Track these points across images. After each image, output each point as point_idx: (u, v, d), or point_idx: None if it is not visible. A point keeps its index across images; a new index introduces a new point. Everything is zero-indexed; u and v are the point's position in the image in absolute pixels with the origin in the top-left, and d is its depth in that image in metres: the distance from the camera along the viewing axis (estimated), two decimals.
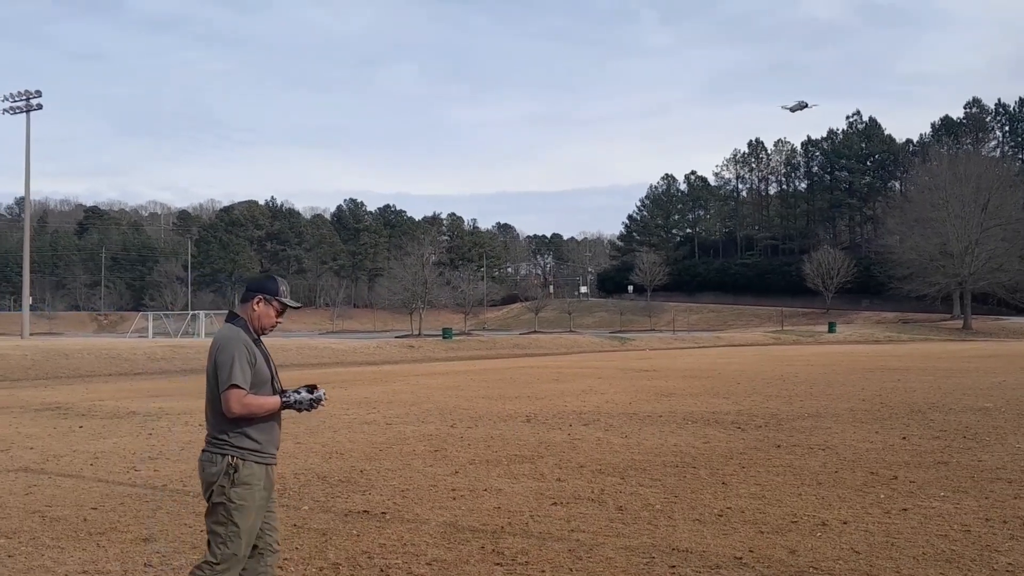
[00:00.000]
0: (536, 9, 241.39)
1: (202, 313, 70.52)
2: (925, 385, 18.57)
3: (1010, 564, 5.20)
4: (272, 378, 4.03)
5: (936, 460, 8.95)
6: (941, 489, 7.46)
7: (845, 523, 6.29)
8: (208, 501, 3.89)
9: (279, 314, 4.15)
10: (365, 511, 6.94)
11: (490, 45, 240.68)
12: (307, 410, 4.05)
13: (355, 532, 6.23)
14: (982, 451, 9.50)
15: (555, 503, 7.16)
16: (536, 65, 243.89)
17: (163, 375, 29.27)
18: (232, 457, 3.84)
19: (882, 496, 7.21)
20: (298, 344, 43.10)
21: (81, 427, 13.18)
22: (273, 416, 3.99)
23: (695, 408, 14.57)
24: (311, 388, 4.05)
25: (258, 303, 4.07)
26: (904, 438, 10.62)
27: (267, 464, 3.99)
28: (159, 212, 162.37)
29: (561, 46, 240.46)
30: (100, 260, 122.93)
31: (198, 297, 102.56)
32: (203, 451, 3.95)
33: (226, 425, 3.84)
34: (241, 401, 3.78)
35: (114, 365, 31.39)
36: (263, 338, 4.16)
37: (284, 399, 3.97)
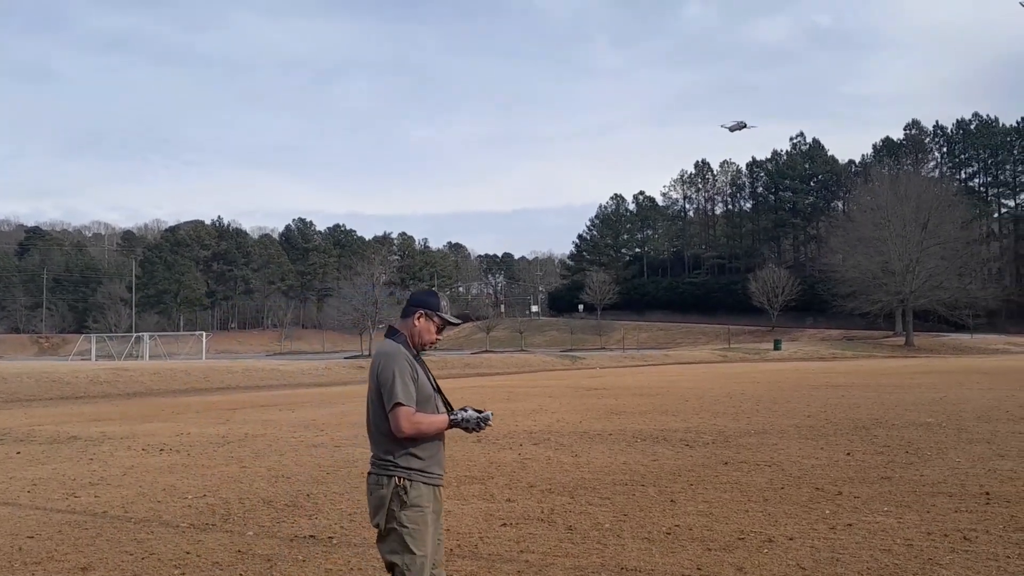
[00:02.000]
0: (489, 30, 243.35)
1: (146, 335, 69.29)
2: (869, 401, 18.89)
3: None
4: (435, 394, 3.87)
5: (880, 475, 9.09)
6: (885, 504, 7.57)
7: (791, 539, 6.35)
8: (378, 528, 3.72)
9: (439, 330, 3.99)
10: (312, 536, 6.83)
11: (443, 65, 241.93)
12: (475, 430, 3.86)
13: (301, 557, 6.13)
14: (924, 466, 9.67)
15: (505, 524, 7.12)
16: (489, 85, 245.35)
17: (106, 399, 28.62)
18: (399, 478, 3.68)
19: (827, 512, 7.29)
20: (245, 366, 42.48)
21: (19, 453, 12.80)
22: (438, 436, 3.83)
23: (644, 426, 14.64)
24: (478, 410, 3.91)
25: (419, 318, 3.93)
26: (848, 454, 10.77)
27: (434, 485, 3.81)
28: (103, 233, 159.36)
29: (514, 67, 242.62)
30: (41, 282, 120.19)
31: (143, 319, 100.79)
32: (369, 474, 3.80)
33: (392, 445, 3.70)
34: (410, 419, 3.64)
35: (55, 389, 30.61)
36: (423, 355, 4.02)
37: (451, 417, 3.83)
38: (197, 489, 9.11)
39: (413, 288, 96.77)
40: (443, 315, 3.98)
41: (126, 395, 30.03)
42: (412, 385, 3.70)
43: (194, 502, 8.37)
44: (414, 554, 3.63)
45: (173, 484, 9.48)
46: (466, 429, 3.84)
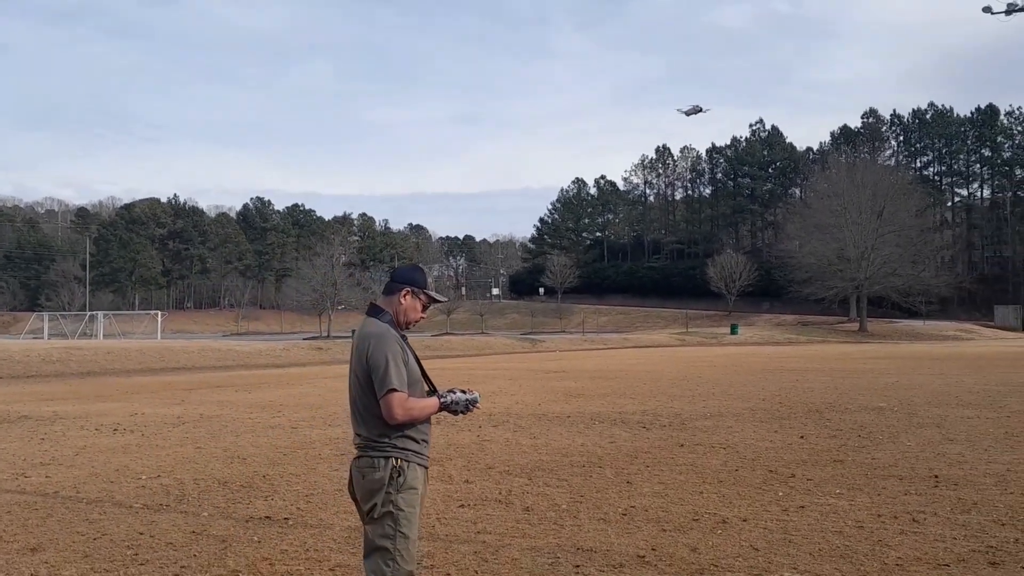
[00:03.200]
0: (452, 10, 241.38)
1: (100, 314, 68.24)
2: (822, 385, 19.19)
3: (900, 558, 5.39)
4: (422, 375, 3.76)
5: (832, 458, 9.24)
6: (837, 486, 7.70)
7: (745, 520, 6.43)
8: (368, 513, 3.59)
9: (425, 308, 3.86)
10: (267, 517, 6.78)
11: (405, 45, 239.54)
12: (463, 412, 3.76)
13: (256, 539, 6.09)
14: (876, 449, 9.85)
15: (462, 505, 7.14)
16: (451, 66, 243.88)
17: (58, 377, 28.15)
18: (396, 459, 3.58)
19: (780, 494, 7.40)
20: (200, 346, 42.00)
21: None
22: (428, 418, 3.75)
23: (602, 408, 14.74)
24: (464, 390, 3.80)
25: (405, 296, 3.78)
26: (802, 437, 10.94)
27: (426, 467, 3.73)
28: (56, 209, 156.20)
29: (476, 48, 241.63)
30: None
31: (97, 297, 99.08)
32: (358, 457, 3.67)
33: (386, 428, 3.58)
34: (403, 405, 3.52)
35: (5, 368, 30.02)
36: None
37: (441, 400, 3.72)
38: (151, 469, 9.01)
39: (373, 269, 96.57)
40: (430, 292, 3.86)
41: (79, 374, 29.55)
42: (404, 369, 3.59)
43: (148, 483, 8.27)
44: (407, 537, 3.53)
45: (126, 464, 9.36)
46: (454, 412, 3.75)
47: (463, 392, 3.78)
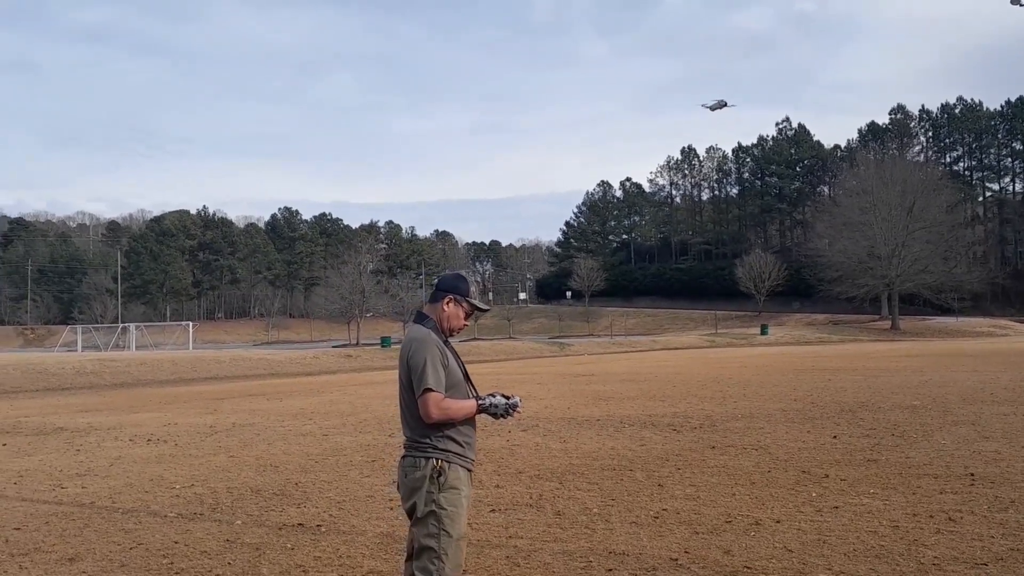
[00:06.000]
0: (473, 20, 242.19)
1: (132, 325, 69.01)
2: (855, 385, 19.00)
3: (936, 557, 5.33)
4: (464, 379, 3.83)
5: (866, 458, 9.15)
6: (871, 486, 7.62)
7: (778, 522, 6.38)
8: (413, 513, 3.67)
9: (468, 316, 3.94)
10: (300, 524, 6.82)
11: (428, 55, 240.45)
12: (503, 416, 3.80)
13: (289, 546, 6.13)
14: (910, 448, 9.74)
15: (493, 510, 7.14)
16: (474, 75, 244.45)
17: (92, 390, 28.50)
18: (437, 460, 3.64)
19: (814, 494, 7.33)
20: (232, 356, 42.36)
21: (4, 444, 12.74)
22: (471, 420, 3.80)
23: (632, 411, 14.69)
24: (506, 396, 3.85)
25: (448, 303, 3.87)
26: (835, 437, 10.84)
27: (470, 469, 3.79)
28: (88, 223, 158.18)
29: (498, 57, 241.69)
30: (26, 272, 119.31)
31: (128, 309, 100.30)
32: (404, 456, 3.75)
33: (428, 428, 3.66)
34: (439, 405, 3.60)
35: (41, 380, 30.46)
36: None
37: (480, 403, 3.78)
38: (185, 479, 9.09)
39: (400, 276, 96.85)
40: (472, 300, 3.94)
41: (112, 386, 29.91)
42: (442, 371, 3.66)
43: (182, 492, 8.35)
44: (451, 536, 3.58)
45: (161, 474, 9.46)
46: (494, 415, 3.79)
47: (505, 397, 3.82)
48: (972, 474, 8.01)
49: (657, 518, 6.64)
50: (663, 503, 7.18)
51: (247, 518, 7.11)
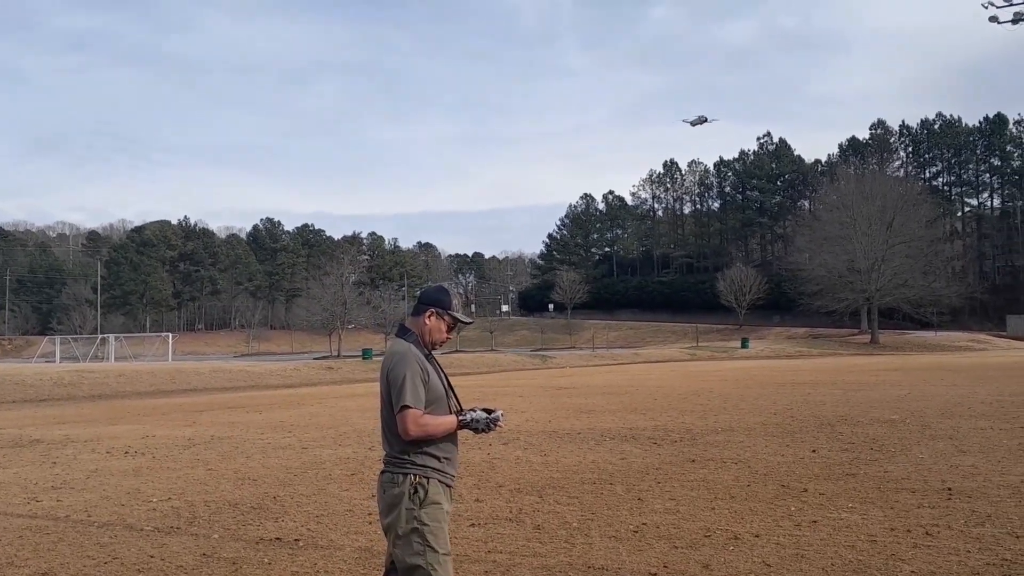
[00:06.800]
0: (457, 32, 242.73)
1: (112, 336, 68.40)
2: (834, 399, 19.09)
3: (913, 572, 5.35)
4: (447, 395, 3.78)
5: (844, 472, 9.19)
6: (849, 500, 7.65)
7: (757, 536, 6.40)
8: (391, 530, 3.61)
9: (450, 329, 3.90)
10: (278, 538, 6.78)
11: (412, 65, 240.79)
12: (484, 431, 3.74)
13: (267, 560, 6.08)
14: (888, 462, 9.79)
15: (473, 524, 7.12)
16: (458, 86, 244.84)
17: (70, 401, 28.23)
18: (415, 476, 3.60)
19: (793, 509, 7.36)
20: (212, 367, 42.08)
21: None
22: (451, 436, 3.75)
23: (613, 425, 14.70)
24: (488, 410, 3.80)
25: (430, 316, 3.83)
26: (814, 451, 10.88)
27: (450, 485, 3.75)
28: (68, 233, 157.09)
29: (482, 68, 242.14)
30: (4, 282, 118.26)
31: (108, 320, 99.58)
32: (383, 472, 3.70)
33: (407, 444, 3.61)
34: (417, 422, 3.56)
35: (18, 391, 30.13)
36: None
37: (460, 418, 3.74)
38: (162, 492, 9.01)
39: (383, 288, 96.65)
40: (454, 313, 3.89)
41: (91, 397, 29.63)
42: (422, 387, 3.62)
43: (159, 505, 8.28)
44: (437, 552, 3.54)
45: (137, 487, 9.37)
46: (475, 430, 3.75)
47: (486, 411, 3.79)
48: (950, 488, 8.06)
49: (637, 532, 6.64)
50: (643, 517, 7.18)
51: (224, 532, 7.05)
